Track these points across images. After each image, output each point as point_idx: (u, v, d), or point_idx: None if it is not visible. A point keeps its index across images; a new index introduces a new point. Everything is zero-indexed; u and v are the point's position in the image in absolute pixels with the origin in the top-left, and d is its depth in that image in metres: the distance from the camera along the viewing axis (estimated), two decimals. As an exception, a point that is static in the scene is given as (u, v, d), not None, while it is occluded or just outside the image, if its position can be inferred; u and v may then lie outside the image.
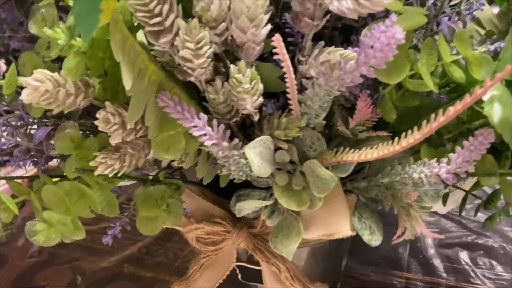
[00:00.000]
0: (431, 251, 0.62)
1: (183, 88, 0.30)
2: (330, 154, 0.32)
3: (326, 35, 0.35)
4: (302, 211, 0.37)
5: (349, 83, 0.27)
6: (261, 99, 0.30)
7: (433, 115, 0.24)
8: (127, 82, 0.23)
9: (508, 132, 0.24)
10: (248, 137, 0.34)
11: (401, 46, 0.30)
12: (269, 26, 0.27)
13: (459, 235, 0.64)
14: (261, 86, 0.29)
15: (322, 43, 0.30)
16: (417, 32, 0.33)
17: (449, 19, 0.34)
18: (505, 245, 0.62)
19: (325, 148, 0.32)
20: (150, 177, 0.35)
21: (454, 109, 0.23)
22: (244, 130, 0.35)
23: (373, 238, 0.34)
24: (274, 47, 0.31)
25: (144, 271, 0.62)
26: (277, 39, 0.24)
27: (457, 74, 0.29)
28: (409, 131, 0.26)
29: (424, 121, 0.25)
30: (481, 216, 0.69)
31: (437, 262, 0.60)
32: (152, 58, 0.28)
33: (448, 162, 0.29)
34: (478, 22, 0.39)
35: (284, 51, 0.25)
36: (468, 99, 0.22)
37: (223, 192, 0.39)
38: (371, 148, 0.28)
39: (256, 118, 0.32)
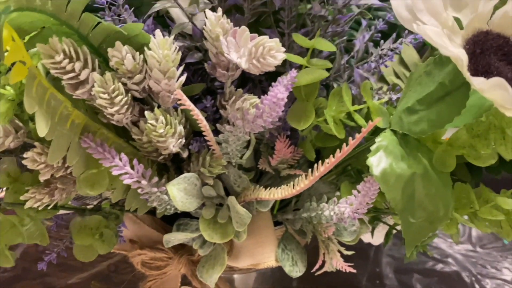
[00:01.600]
0: (389, 277, 0.64)
1: (112, 128, 0.33)
2: (250, 190, 0.34)
3: (255, 80, 0.37)
4: (234, 241, 0.40)
5: (254, 130, 0.29)
6: (182, 141, 0.32)
7: (315, 165, 0.27)
8: (43, 130, 0.26)
9: (386, 184, 0.26)
10: (181, 172, 0.37)
11: (309, 95, 0.32)
12: (185, 76, 0.30)
13: (417, 261, 0.66)
14: (179, 128, 0.31)
15: (240, 90, 0.33)
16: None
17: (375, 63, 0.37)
18: (461, 272, 0.64)
19: (248, 184, 0.35)
20: (90, 207, 0.38)
21: (330, 161, 0.25)
22: (178, 164, 0.38)
23: (294, 270, 0.36)
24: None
25: (109, 289, 0.64)
26: (179, 93, 0.27)
27: (360, 121, 0.31)
28: (300, 177, 0.28)
29: (309, 169, 0.27)
30: (441, 242, 0.71)
31: (392, 288, 0.62)
32: (80, 103, 0.31)
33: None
34: (406, 66, 0.41)
35: (188, 102, 0.27)
36: (344, 150, 0.25)
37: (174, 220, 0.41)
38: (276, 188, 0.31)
39: (184, 155, 0.35)
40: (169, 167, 0.37)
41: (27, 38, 0.27)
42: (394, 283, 0.63)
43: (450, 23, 0.23)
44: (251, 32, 0.36)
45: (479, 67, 0.22)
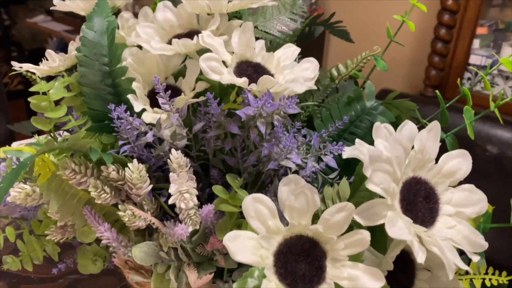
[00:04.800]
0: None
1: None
2: (185, 263, 0.49)
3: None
4: None
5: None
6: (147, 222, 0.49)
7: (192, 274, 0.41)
8: (53, 208, 0.44)
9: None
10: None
11: (232, 217, 0.46)
12: (150, 186, 0.46)
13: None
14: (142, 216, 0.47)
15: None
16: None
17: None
18: None
19: (186, 260, 0.50)
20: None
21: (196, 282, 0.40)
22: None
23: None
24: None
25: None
26: (131, 208, 0.43)
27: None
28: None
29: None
30: None
31: None
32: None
33: None
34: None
35: (137, 211, 0.43)
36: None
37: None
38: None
39: (155, 226, 0.51)
40: (149, 230, 0.53)
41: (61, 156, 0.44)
42: None
43: (274, 228, 0.35)
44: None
45: (283, 268, 0.35)
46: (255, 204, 0.35)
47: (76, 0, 0.55)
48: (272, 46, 0.57)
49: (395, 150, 0.34)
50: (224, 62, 0.44)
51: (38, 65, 0.53)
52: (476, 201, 0.38)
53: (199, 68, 0.46)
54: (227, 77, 0.41)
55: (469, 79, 1.65)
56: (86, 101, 0.49)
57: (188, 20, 0.49)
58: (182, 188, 0.42)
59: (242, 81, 0.41)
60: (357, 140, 0.44)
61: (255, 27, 0.57)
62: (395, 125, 0.57)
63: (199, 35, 0.44)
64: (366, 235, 0.34)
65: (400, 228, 0.32)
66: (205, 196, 0.51)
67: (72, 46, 0.53)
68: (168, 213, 0.50)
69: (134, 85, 0.47)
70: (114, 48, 0.48)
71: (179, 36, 0.50)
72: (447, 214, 0.37)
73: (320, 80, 0.57)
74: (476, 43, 1.60)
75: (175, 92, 0.51)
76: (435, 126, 0.37)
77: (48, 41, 3.01)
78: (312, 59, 0.46)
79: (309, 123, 0.57)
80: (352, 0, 1.99)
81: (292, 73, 0.45)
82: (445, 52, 1.60)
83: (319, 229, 0.35)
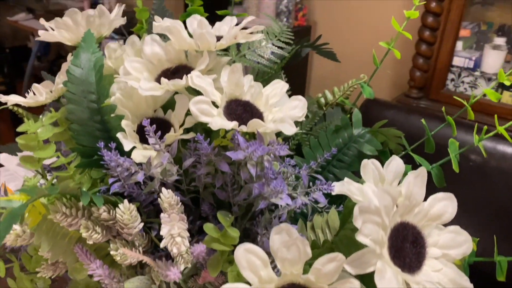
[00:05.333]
0: None
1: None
2: (178, 298, 0.50)
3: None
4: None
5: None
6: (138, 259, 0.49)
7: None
8: (44, 250, 0.44)
9: None
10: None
11: (223, 254, 0.47)
12: (142, 224, 0.46)
13: None
14: (133, 253, 0.48)
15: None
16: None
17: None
18: None
19: (179, 293, 0.51)
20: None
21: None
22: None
23: None
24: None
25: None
26: (125, 251, 0.43)
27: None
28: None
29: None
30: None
31: None
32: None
33: None
34: (329, 228, 0.53)
35: (129, 253, 0.44)
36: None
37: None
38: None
39: (144, 262, 0.51)
40: (140, 263, 0.53)
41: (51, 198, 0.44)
42: None
43: (266, 278, 0.36)
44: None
45: (273, 311, 0.36)
46: (247, 255, 0.35)
47: (62, 31, 0.54)
48: (260, 74, 0.57)
49: (383, 200, 0.35)
50: (213, 102, 0.44)
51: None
52: (461, 243, 0.39)
53: (187, 103, 0.47)
54: (218, 121, 0.41)
55: (452, 80, 1.67)
56: (75, 137, 0.49)
57: (176, 55, 0.49)
58: (174, 231, 0.42)
59: (232, 125, 0.41)
60: (346, 179, 0.45)
61: (243, 55, 0.57)
62: (382, 152, 0.58)
63: (189, 75, 0.44)
64: (356, 284, 0.35)
65: (389, 279, 0.33)
66: (196, 228, 0.52)
67: (59, 79, 0.53)
68: (159, 247, 0.50)
69: (123, 123, 0.47)
70: (102, 85, 0.48)
71: (167, 71, 0.50)
72: (434, 256, 0.38)
73: (308, 107, 0.57)
74: (459, 45, 1.62)
75: (164, 125, 0.51)
76: (421, 172, 0.38)
77: (30, 39, 2.95)
78: (300, 97, 0.46)
79: (297, 151, 0.58)
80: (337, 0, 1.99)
81: (281, 111, 0.46)
82: (429, 54, 1.62)
83: (311, 279, 0.36)
